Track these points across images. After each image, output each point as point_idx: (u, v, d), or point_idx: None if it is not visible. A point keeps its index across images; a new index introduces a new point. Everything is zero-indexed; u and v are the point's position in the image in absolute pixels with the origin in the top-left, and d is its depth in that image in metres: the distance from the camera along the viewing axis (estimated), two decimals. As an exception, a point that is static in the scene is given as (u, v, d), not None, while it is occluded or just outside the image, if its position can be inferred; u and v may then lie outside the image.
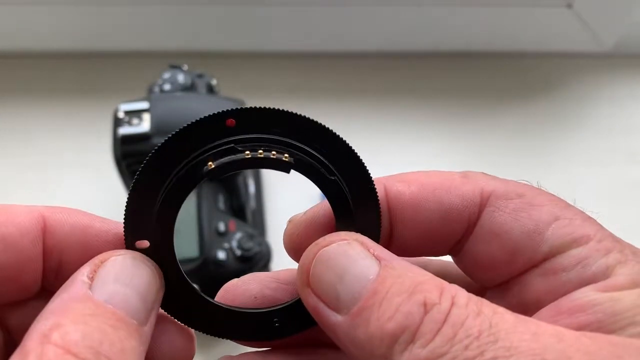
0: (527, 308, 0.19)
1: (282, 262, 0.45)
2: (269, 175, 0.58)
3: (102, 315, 0.16)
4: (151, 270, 0.19)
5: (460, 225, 0.20)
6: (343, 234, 0.19)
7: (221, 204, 0.46)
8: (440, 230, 0.21)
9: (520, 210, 0.20)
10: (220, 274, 0.42)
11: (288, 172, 0.19)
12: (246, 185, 0.51)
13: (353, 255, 0.19)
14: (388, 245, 0.21)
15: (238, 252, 0.43)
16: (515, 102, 0.66)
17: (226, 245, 0.43)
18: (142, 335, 0.17)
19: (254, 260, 0.43)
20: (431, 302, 0.17)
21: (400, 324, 0.17)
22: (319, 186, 0.20)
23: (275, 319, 0.21)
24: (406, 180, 0.21)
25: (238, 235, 0.44)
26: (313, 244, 0.19)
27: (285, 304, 0.21)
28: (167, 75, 0.50)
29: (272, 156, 0.18)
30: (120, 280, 0.18)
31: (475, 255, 0.21)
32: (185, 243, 0.43)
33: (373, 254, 0.19)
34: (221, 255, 0.43)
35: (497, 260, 0.20)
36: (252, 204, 0.52)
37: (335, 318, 0.18)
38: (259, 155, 0.18)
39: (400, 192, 0.21)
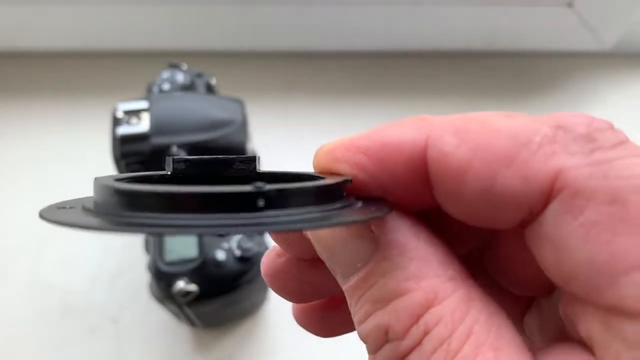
0: (561, 331, 0.15)
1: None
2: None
3: None
4: None
5: (511, 216, 0.14)
6: None
7: (220, 204, 0.46)
8: (482, 215, 0.15)
9: (602, 229, 0.13)
10: (219, 274, 0.42)
11: None
12: (246, 185, 0.51)
13: (342, 233, 0.15)
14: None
15: (237, 253, 0.43)
16: (516, 101, 0.65)
17: (225, 245, 0.43)
18: None
19: (254, 260, 0.43)
20: (393, 334, 0.14)
21: (363, 337, 0.15)
22: None
23: None
24: (460, 133, 0.15)
25: (237, 235, 0.44)
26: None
27: None
28: (166, 74, 0.50)
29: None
30: None
31: (512, 253, 0.16)
32: (184, 243, 0.43)
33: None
34: (220, 255, 0.42)
35: (538, 275, 0.15)
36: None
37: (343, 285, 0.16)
38: None
39: (446, 154, 0.14)
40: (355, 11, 0.63)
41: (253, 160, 0.18)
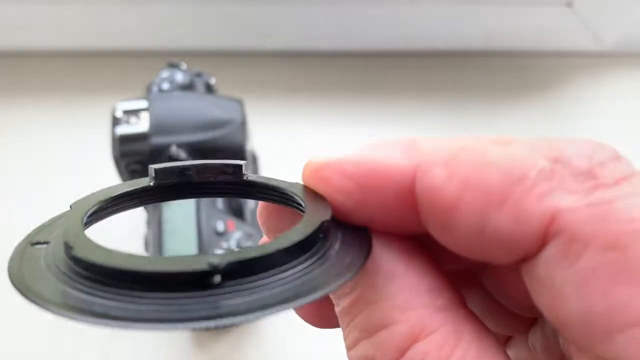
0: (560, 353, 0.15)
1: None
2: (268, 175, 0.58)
3: None
4: None
5: (505, 257, 0.13)
6: None
7: (220, 204, 0.46)
8: (474, 252, 0.14)
9: (599, 278, 0.12)
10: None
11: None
12: (245, 185, 0.51)
13: None
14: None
15: (237, 252, 0.43)
16: (515, 101, 0.65)
17: (225, 245, 0.43)
18: None
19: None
20: None
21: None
22: None
23: None
24: (450, 165, 0.13)
25: (237, 234, 0.44)
26: None
27: None
28: (165, 74, 0.50)
29: None
30: None
31: (510, 277, 0.16)
32: (184, 243, 0.43)
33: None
34: (220, 255, 0.42)
35: (530, 310, 0.14)
36: (251, 203, 0.52)
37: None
38: None
39: (434, 188, 0.13)
40: (355, 11, 0.63)
41: (239, 167, 0.17)
